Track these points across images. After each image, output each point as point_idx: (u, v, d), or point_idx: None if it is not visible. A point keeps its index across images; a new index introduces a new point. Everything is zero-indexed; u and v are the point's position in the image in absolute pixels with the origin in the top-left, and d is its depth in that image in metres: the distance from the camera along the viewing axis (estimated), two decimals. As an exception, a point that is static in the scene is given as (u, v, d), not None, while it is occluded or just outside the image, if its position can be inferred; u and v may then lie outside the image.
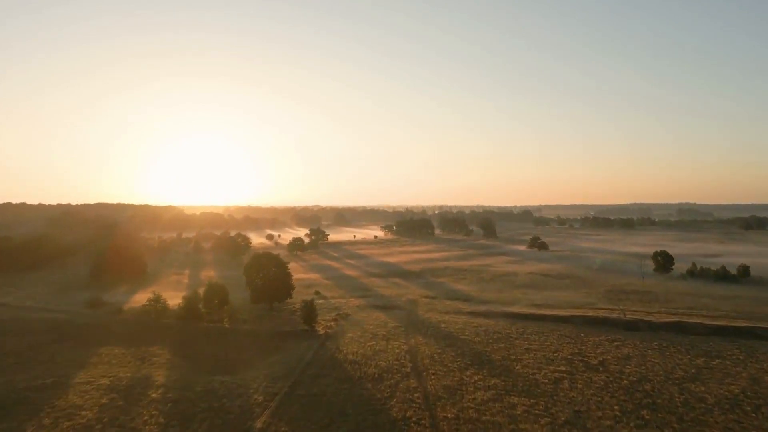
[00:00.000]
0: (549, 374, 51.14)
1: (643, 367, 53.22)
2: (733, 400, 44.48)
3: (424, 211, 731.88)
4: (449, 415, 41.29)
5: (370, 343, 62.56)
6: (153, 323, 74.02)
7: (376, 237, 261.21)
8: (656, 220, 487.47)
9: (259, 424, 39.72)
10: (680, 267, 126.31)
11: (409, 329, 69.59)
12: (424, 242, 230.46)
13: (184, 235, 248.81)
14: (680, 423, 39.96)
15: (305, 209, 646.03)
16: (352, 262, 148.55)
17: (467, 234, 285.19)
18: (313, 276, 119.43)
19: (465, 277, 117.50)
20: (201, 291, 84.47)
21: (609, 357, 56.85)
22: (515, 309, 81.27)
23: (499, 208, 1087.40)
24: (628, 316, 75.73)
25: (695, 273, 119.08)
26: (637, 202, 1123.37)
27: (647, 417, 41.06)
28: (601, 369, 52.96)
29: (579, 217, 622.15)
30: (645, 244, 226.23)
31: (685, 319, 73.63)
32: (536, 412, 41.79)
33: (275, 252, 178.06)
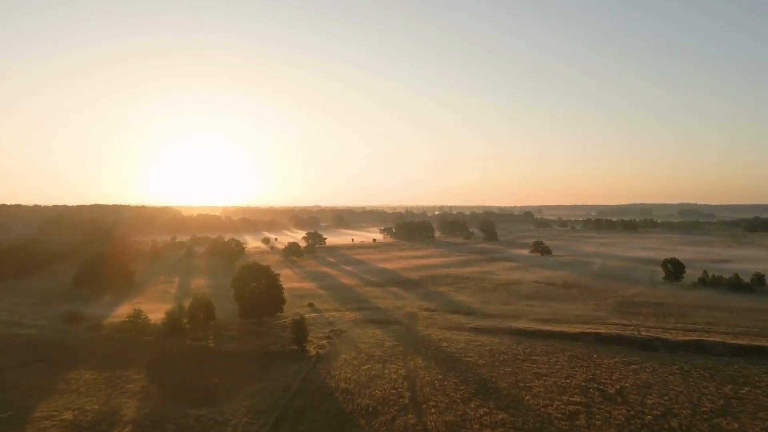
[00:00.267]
0: (563, 407, 45.95)
1: (667, 398, 48.04)
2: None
3: (424, 212, 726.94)
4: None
5: (365, 367, 57.37)
6: (132, 342, 68.79)
7: (374, 240, 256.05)
8: (658, 221, 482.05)
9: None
10: (690, 274, 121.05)
11: (408, 349, 64.41)
12: (423, 246, 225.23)
13: (179, 239, 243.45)
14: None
15: (304, 210, 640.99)
16: (349, 268, 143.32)
17: (468, 237, 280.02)
18: (307, 285, 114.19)
19: (466, 286, 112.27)
20: (187, 303, 79.34)
21: (627, 384, 51.65)
22: (521, 324, 76.06)
23: (499, 208, 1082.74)
24: (642, 333, 70.50)
25: (707, 281, 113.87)
26: (638, 202, 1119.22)
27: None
28: (620, 400, 47.76)
29: (580, 219, 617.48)
30: (650, 248, 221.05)
31: (704, 337, 68.42)
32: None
33: (271, 257, 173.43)
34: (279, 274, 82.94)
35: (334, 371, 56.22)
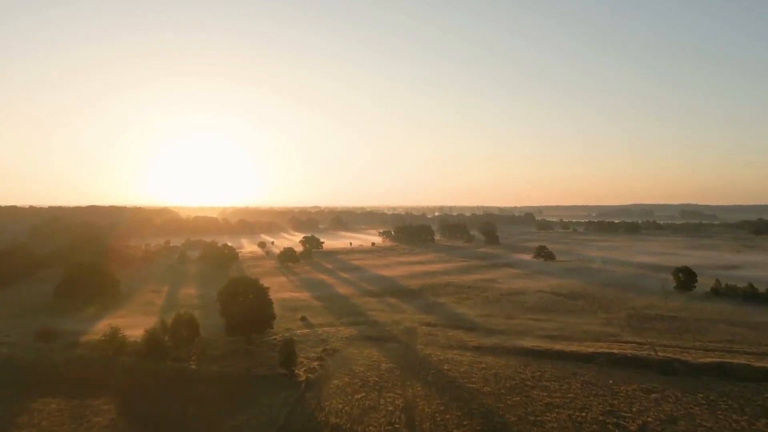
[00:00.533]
0: (580, 449, 40.76)
1: (696, 437, 42.87)
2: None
3: (423, 213, 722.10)
4: None
5: (359, 396, 52.12)
6: (107, 363, 63.47)
7: (373, 244, 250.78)
8: (661, 223, 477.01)
9: None
10: (701, 282, 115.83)
11: (406, 373, 59.15)
12: (423, 250, 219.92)
13: (173, 243, 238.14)
14: None
15: (303, 212, 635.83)
16: (346, 275, 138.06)
17: (468, 240, 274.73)
18: (301, 295, 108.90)
19: (468, 296, 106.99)
20: (171, 319, 74.06)
21: (650, 418, 46.42)
22: (527, 343, 70.79)
23: (499, 209, 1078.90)
24: (660, 354, 65.25)
25: (720, 291, 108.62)
26: (639, 202, 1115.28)
27: None
28: (643, 440, 42.59)
29: (582, 220, 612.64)
30: (655, 252, 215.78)
31: (727, 358, 63.18)
32: None
33: (266, 263, 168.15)
34: (269, 288, 77.66)
35: (325, 401, 51.00)
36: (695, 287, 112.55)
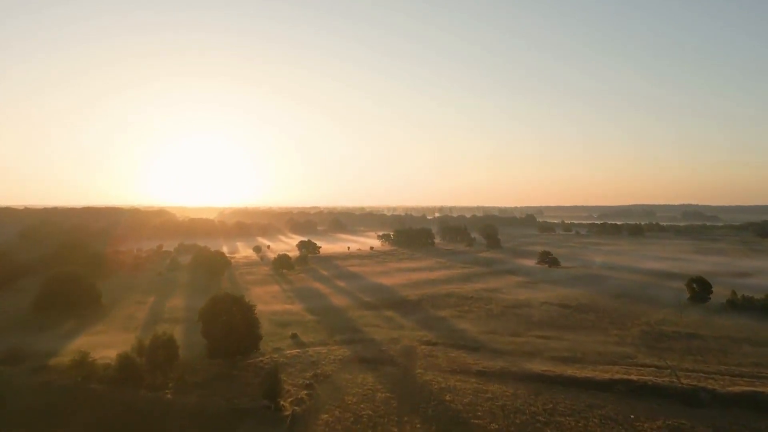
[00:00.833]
0: None
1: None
2: None
3: (423, 214, 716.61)
4: None
5: (350, 436, 46.25)
6: (74, 392, 57.60)
7: (372, 248, 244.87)
8: (663, 224, 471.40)
9: None
10: (715, 291, 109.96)
11: (404, 405, 53.25)
12: (423, 255, 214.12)
13: (167, 246, 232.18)
14: None
15: (301, 213, 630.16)
16: (342, 284, 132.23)
17: (470, 244, 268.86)
18: (294, 307, 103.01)
19: (471, 309, 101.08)
20: (149, 339, 68.13)
21: (682, 468, 40.55)
22: (536, 367, 64.93)
23: (500, 209, 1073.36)
24: (683, 381, 59.40)
25: (737, 303, 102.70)
26: (639, 203, 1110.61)
27: None
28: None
29: (583, 220, 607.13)
30: (662, 257, 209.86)
31: (758, 387, 57.32)
32: None
33: (260, 269, 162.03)
34: (255, 306, 71.75)
35: (311, 443, 45.15)
36: (710, 298, 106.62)
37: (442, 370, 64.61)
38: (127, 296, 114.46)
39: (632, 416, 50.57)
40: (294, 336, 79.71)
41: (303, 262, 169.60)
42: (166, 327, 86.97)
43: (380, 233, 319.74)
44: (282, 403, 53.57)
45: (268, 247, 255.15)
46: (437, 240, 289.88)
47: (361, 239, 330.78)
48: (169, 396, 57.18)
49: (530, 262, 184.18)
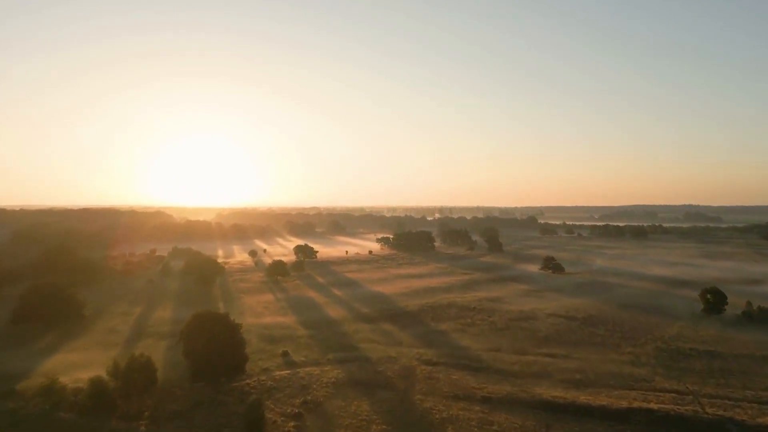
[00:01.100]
0: None
1: None
2: None
3: (423, 215, 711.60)
4: None
5: (340, 482, 41.03)
6: (42, 421, 52.45)
7: (371, 252, 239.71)
8: (666, 226, 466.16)
9: None
10: (729, 301, 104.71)
11: (401, 441, 48.08)
12: (423, 260, 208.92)
13: (162, 249, 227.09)
14: None
15: (300, 214, 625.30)
16: (338, 293, 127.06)
17: (471, 248, 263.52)
18: (286, 320, 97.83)
19: (473, 322, 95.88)
20: (129, 358, 62.97)
21: None
22: (546, 391, 59.73)
23: (500, 209, 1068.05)
24: (707, 409, 54.19)
25: (753, 315, 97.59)
26: (641, 203, 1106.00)
27: None
28: None
29: (585, 221, 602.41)
30: (669, 262, 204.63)
31: (791, 418, 52.08)
32: None
33: (254, 276, 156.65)
34: (241, 324, 66.62)
35: (296, 491, 39.94)
36: (725, 310, 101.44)
37: (444, 395, 59.40)
38: (113, 306, 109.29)
39: (656, 455, 45.39)
40: (285, 354, 74.48)
41: (299, 268, 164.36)
42: (149, 343, 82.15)
43: (379, 236, 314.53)
44: (266, 438, 48.42)
45: (265, 250, 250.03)
46: (437, 243, 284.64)
47: (360, 242, 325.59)
48: (142, 428, 52.00)
49: (533, 268, 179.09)
